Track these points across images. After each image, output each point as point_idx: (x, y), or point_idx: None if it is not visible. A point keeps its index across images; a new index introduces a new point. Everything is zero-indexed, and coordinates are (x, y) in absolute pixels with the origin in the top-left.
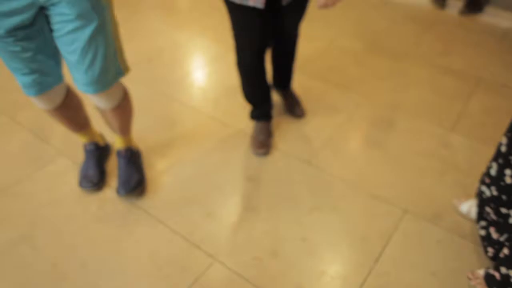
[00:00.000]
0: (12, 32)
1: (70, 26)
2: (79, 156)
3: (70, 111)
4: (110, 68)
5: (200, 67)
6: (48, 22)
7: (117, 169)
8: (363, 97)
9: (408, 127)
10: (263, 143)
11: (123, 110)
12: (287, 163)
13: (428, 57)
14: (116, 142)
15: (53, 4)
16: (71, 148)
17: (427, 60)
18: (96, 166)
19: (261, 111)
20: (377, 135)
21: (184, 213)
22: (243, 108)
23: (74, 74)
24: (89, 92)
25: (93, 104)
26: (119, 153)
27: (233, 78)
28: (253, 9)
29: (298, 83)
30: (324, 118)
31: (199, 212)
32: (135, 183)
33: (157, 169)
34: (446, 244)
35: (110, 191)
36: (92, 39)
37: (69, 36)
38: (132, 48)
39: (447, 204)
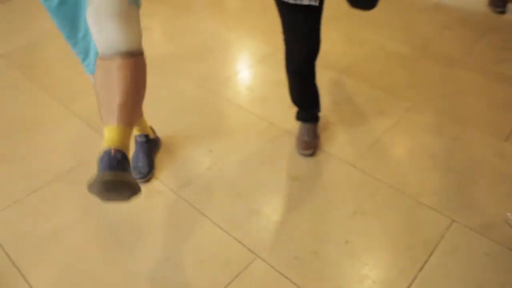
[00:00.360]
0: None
1: None
2: (130, 148)
3: None
4: None
5: (248, 66)
6: None
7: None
8: (412, 102)
9: (458, 134)
10: (309, 144)
11: (136, 69)
12: (332, 165)
13: (482, 64)
14: (105, 135)
15: None
16: None
17: (482, 66)
18: (146, 158)
19: (308, 114)
20: (425, 141)
21: (229, 208)
22: (290, 108)
23: None
24: None
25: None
26: (107, 155)
27: (280, 78)
28: (306, 10)
29: (346, 86)
30: (371, 122)
31: (243, 209)
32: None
33: (204, 165)
34: (496, 257)
35: (158, 184)
36: None
37: None
38: (182, 45)
39: (499, 216)
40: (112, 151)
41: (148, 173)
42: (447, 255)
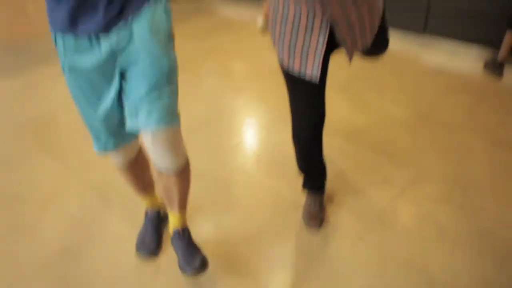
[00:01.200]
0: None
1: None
2: (139, 221)
3: (140, 169)
4: (176, 106)
5: (255, 133)
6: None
7: (176, 251)
8: (417, 170)
9: (466, 203)
10: (316, 216)
11: (186, 175)
12: (339, 238)
13: (485, 129)
14: (171, 221)
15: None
16: (131, 213)
17: (484, 132)
18: (154, 233)
19: (314, 183)
20: (431, 210)
21: (236, 285)
22: (297, 177)
23: (143, 109)
24: (161, 124)
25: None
26: (177, 234)
27: (288, 145)
28: (310, 81)
29: (350, 153)
30: (377, 192)
31: (250, 286)
32: (200, 262)
33: (211, 239)
34: None
35: (165, 258)
36: (166, 72)
37: (144, 69)
38: (189, 112)
39: None
40: (180, 230)
41: (156, 248)
42: None
